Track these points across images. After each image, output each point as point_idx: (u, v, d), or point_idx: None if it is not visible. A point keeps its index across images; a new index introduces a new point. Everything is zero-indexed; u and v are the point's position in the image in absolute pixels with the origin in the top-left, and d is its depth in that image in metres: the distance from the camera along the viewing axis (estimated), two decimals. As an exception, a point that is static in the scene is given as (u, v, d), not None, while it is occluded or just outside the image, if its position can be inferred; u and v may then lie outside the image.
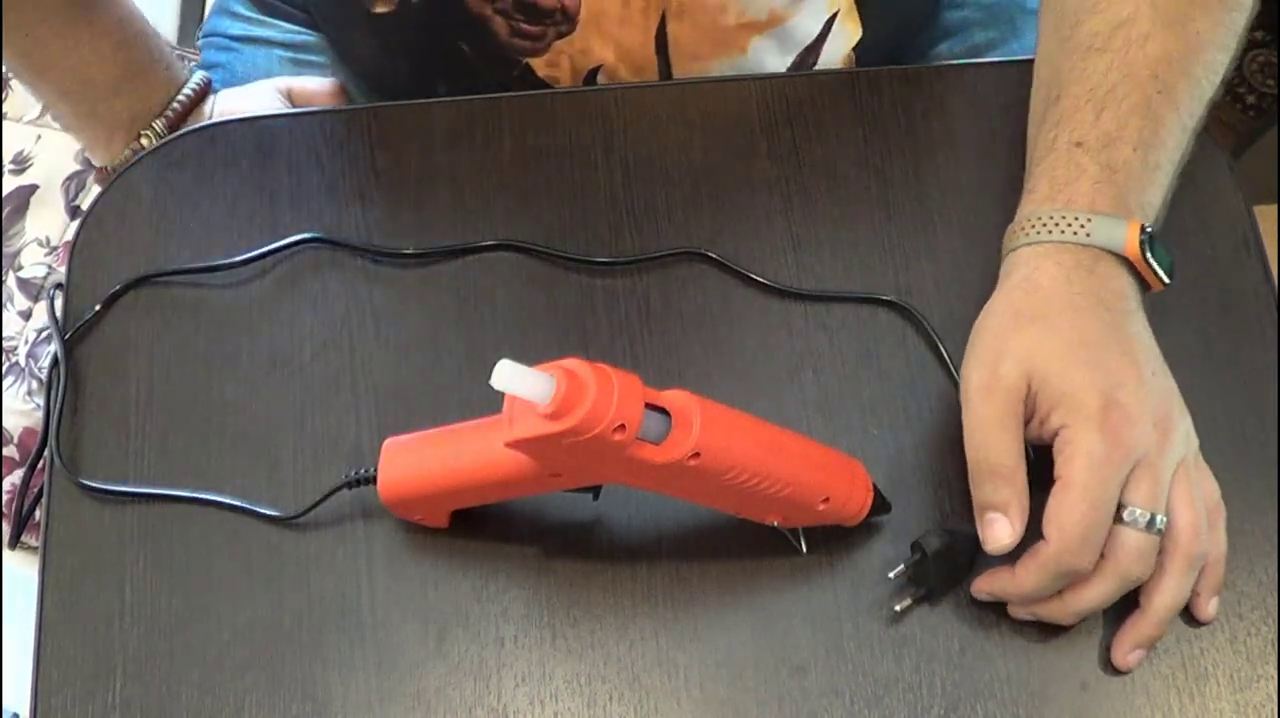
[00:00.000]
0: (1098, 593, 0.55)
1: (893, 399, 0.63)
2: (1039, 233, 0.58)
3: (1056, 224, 0.58)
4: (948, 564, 0.58)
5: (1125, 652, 0.57)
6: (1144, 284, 0.59)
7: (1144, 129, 0.59)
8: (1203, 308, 0.65)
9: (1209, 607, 0.58)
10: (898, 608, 0.58)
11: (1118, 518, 0.54)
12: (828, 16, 0.74)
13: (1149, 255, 0.58)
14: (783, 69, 0.75)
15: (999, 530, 0.55)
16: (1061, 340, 0.56)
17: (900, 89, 0.71)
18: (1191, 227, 0.66)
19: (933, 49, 0.85)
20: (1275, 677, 0.58)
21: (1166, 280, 0.59)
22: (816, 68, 0.76)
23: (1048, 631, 0.58)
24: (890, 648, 0.58)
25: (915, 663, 0.58)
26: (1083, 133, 0.59)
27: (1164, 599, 0.56)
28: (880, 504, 0.58)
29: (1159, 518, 0.54)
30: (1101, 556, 0.54)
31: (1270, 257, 0.67)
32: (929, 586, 0.58)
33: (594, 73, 0.75)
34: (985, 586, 0.58)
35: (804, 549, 0.59)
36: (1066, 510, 0.53)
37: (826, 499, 0.56)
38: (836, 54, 0.77)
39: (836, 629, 0.59)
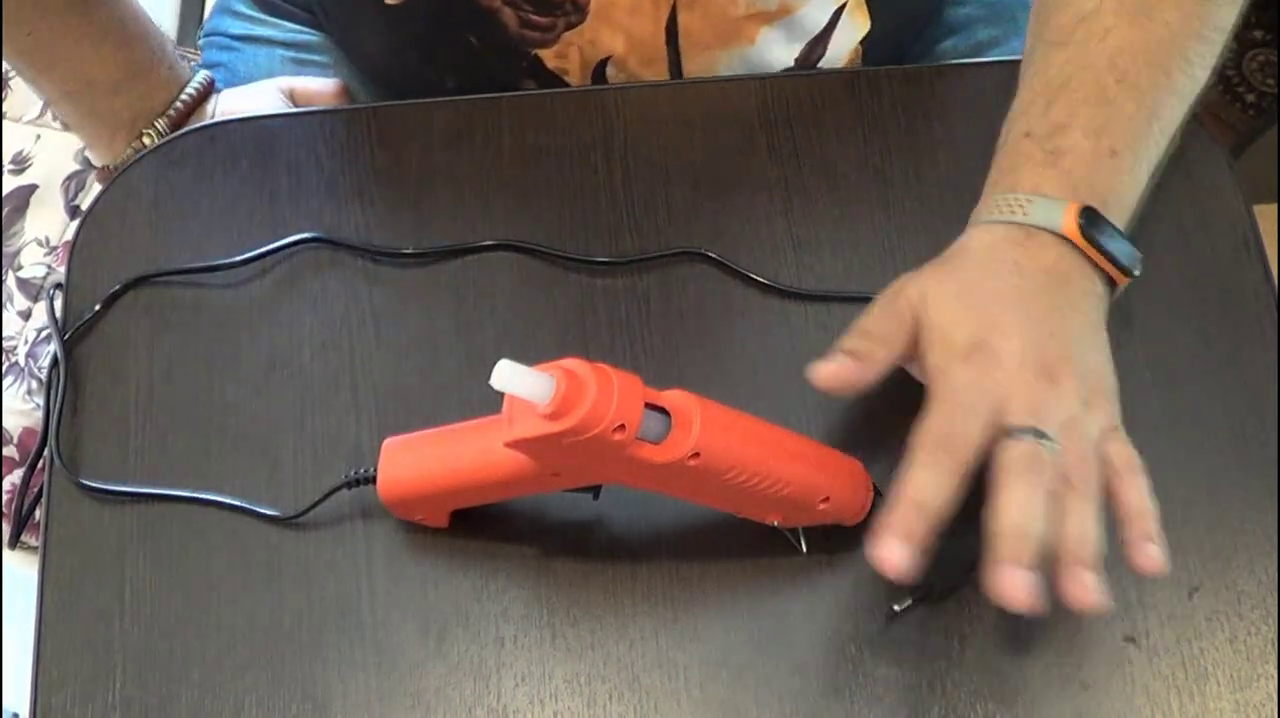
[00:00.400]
0: (1015, 502, 0.51)
1: (892, 399, 0.63)
2: (981, 216, 0.59)
3: (999, 207, 0.59)
4: (947, 564, 0.58)
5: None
6: (1107, 278, 0.58)
7: (1096, 117, 0.59)
8: (1203, 308, 0.65)
9: (1144, 554, 0.53)
10: (897, 608, 0.58)
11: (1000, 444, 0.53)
12: (836, 7, 0.74)
13: (1098, 237, 0.57)
14: (790, 60, 0.75)
15: (834, 367, 0.56)
16: (957, 283, 0.57)
17: (900, 89, 0.71)
18: (1191, 227, 0.66)
19: (937, 45, 0.85)
20: (1275, 677, 0.58)
21: (1127, 268, 0.58)
22: (822, 62, 0.76)
23: (1048, 631, 0.58)
24: (890, 648, 0.58)
25: (915, 663, 0.58)
26: (1031, 124, 0.60)
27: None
28: (880, 504, 0.58)
29: (1048, 433, 0.52)
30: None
31: (1270, 257, 0.67)
32: (928, 585, 0.58)
33: (603, 64, 0.75)
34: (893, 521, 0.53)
35: (804, 549, 0.59)
36: (926, 418, 0.54)
37: (827, 499, 0.56)
38: (845, 46, 0.77)
39: (836, 629, 0.59)
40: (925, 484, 0.52)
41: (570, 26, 0.72)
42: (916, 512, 0.52)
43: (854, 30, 0.76)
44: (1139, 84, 0.60)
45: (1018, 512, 0.52)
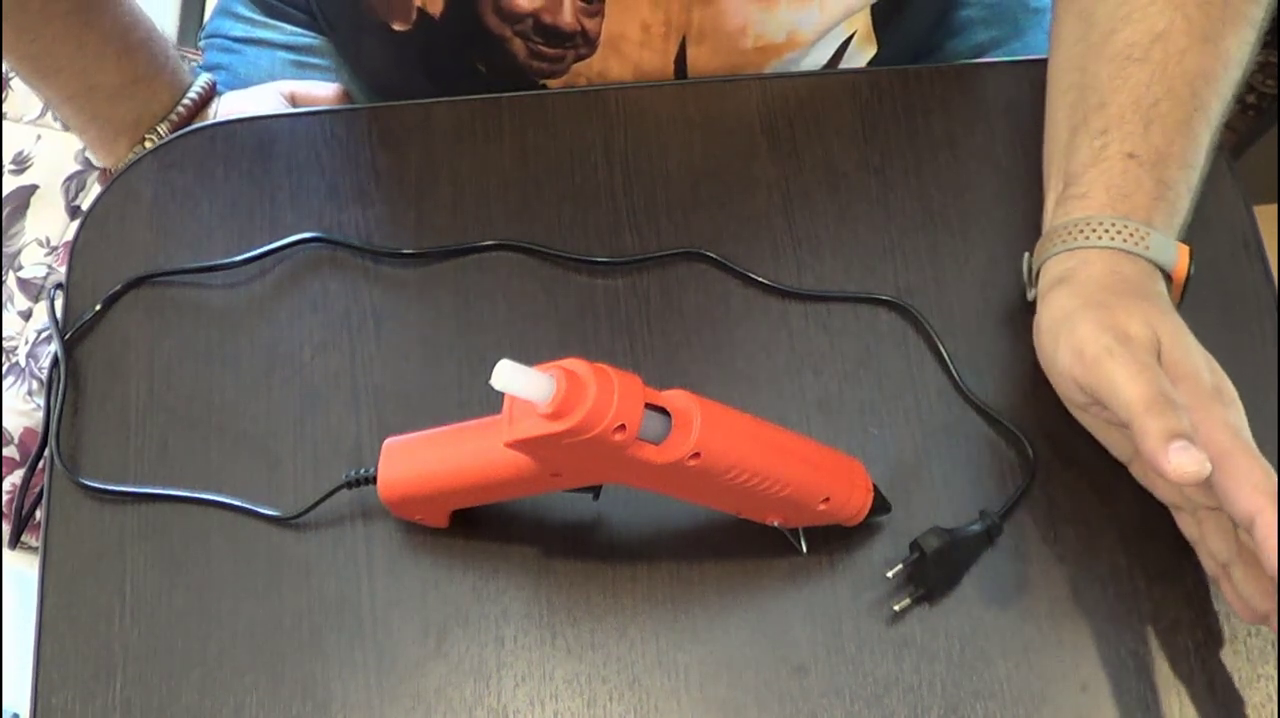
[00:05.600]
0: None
1: (893, 399, 0.63)
2: (1100, 238, 0.59)
3: (1120, 232, 0.58)
4: (947, 564, 0.58)
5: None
6: None
7: (1187, 149, 0.60)
8: (1203, 308, 0.65)
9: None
10: (896, 608, 0.58)
11: None
12: (844, 39, 0.74)
13: (1191, 278, 0.59)
14: None
15: (1194, 456, 0.51)
16: (1173, 320, 0.57)
17: (900, 89, 0.71)
18: (1191, 227, 0.66)
19: (937, 47, 0.85)
20: (1275, 677, 0.58)
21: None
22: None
23: (1047, 631, 0.58)
24: (890, 648, 0.58)
25: (915, 663, 0.58)
26: (1134, 145, 0.60)
27: None
28: (880, 504, 0.58)
29: None
30: None
31: (1270, 257, 0.67)
32: (928, 585, 0.58)
33: None
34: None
35: (804, 549, 0.59)
36: (1257, 473, 0.51)
37: (826, 499, 0.56)
38: None
39: (836, 629, 0.59)
40: None
41: (580, 59, 0.72)
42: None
43: (861, 57, 0.77)
44: (1209, 113, 0.61)
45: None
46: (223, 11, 0.91)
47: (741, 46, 0.72)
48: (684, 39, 0.71)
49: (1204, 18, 0.61)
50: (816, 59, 0.75)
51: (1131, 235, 0.58)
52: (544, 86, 0.74)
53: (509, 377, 0.47)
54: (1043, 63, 0.67)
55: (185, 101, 0.79)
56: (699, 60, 0.73)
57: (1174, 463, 0.51)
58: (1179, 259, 0.59)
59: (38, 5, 0.72)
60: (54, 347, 0.65)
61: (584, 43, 0.71)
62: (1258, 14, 0.63)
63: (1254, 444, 0.53)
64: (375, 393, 0.64)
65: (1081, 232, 0.59)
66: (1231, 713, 0.57)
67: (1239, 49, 0.63)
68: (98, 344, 0.66)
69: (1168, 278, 0.59)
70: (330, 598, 0.60)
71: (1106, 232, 0.58)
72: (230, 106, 0.81)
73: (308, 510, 0.61)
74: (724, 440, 0.52)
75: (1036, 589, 0.59)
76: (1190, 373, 0.55)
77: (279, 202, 0.69)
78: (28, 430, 0.94)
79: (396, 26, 0.73)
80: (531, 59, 0.72)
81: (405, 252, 0.67)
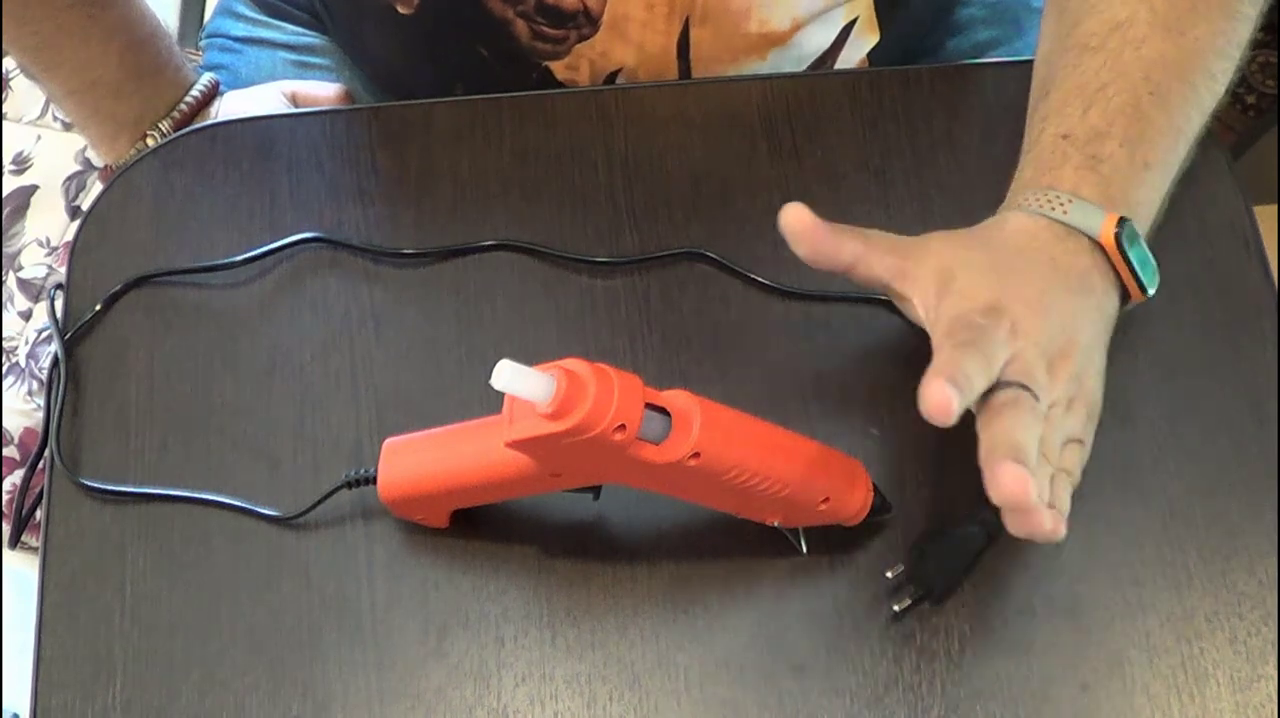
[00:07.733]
0: (1006, 424, 0.52)
1: (893, 399, 0.63)
2: (1020, 206, 0.59)
3: (1038, 200, 0.58)
4: (947, 564, 0.58)
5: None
6: (1124, 291, 0.59)
7: (1131, 127, 0.59)
8: (1203, 308, 0.65)
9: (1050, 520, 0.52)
10: (897, 608, 0.58)
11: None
12: (845, 24, 0.74)
13: (1126, 249, 0.57)
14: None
15: (804, 214, 0.56)
16: (990, 257, 0.57)
17: (900, 89, 0.71)
18: (1191, 227, 0.66)
19: (938, 46, 0.85)
20: (1275, 677, 0.58)
21: (1147, 287, 0.58)
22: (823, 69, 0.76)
23: (1048, 630, 0.58)
24: (890, 648, 0.58)
25: (915, 663, 0.58)
26: (1069, 126, 0.60)
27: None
28: (880, 504, 0.58)
29: (1037, 395, 0.53)
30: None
31: (1270, 257, 0.67)
32: (928, 586, 0.58)
33: (613, 76, 0.75)
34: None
35: (804, 549, 0.59)
36: (940, 351, 0.53)
37: (826, 499, 0.56)
38: (852, 60, 0.77)
39: (836, 629, 0.59)
40: (963, 363, 0.52)
41: (582, 39, 0.72)
42: (963, 380, 0.51)
43: (862, 45, 0.77)
44: (1169, 98, 0.60)
45: (1011, 427, 0.52)
46: (224, 11, 0.92)
47: (745, 30, 0.72)
48: (687, 20, 0.71)
49: (1169, 8, 0.61)
50: (818, 43, 0.75)
51: (1050, 202, 0.58)
52: (547, 68, 0.74)
53: (509, 377, 0.48)
54: (1042, 63, 0.68)
55: (188, 99, 0.79)
56: (702, 42, 0.73)
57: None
58: (1104, 225, 0.57)
59: None
60: (54, 347, 0.65)
61: (586, 23, 0.71)
62: (1250, 11, 0.63)
63: (988, 330, 0.53)
64: (375, 393, 0.64)
65: (1007, 208, 0.59)
66: (1232, 713, 0.57)
67: (1213, 38, 0.62)
68: (98, 344, 0.66)
69: (1113, 265, 0.58)
70: (330, 598, 0.60)
71: (1026, 200, 0.58)
72: (231, 106, 0.81)
73: (308, 511, 0.61)
74: (724, 440, 0.52)
75: (1036, 589, 0.59)
76: (950, 292, 0.55)
77: (279, 202, 0.69)
78: (28, 430, 0.94)
79: (401, 9, 0.73)
80: (534, 40, 0.72)
81: (405, 252, 0.67)
